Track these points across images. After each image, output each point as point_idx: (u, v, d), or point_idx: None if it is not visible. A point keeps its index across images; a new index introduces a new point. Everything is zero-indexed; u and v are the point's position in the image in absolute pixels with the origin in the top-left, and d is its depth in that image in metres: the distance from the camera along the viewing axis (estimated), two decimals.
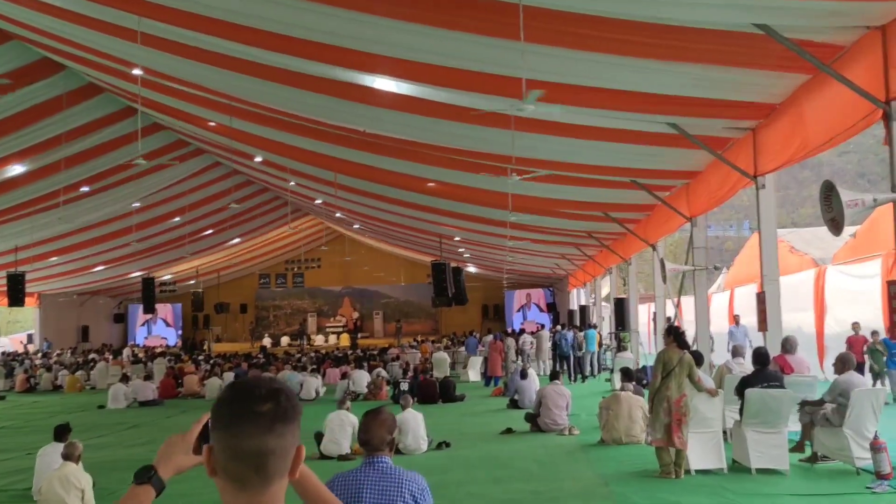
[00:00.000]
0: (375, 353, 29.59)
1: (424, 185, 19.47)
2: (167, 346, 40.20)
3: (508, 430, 12.79)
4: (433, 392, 18.24)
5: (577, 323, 28.43)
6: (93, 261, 32.19)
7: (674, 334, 8.58)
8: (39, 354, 32.90)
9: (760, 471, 8.64)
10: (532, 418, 12.63)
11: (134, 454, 12.05)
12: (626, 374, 12.29)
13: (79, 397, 22.46)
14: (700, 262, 15.63)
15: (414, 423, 10.95)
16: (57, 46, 16.02)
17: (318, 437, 10.96)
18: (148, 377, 20.57)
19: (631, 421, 10.81)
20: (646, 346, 20.33)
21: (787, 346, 10.35)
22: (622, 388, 11.23)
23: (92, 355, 32.27)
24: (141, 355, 32.37)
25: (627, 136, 12.86)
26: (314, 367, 24.73)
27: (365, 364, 23.68)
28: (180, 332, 43.76)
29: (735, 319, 18.12)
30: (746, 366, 11.31)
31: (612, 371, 20.28)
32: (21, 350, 35.83)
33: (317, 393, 20.06)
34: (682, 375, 8.44)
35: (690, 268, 15.50)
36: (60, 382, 25.37)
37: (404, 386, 18.42)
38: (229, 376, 21.83)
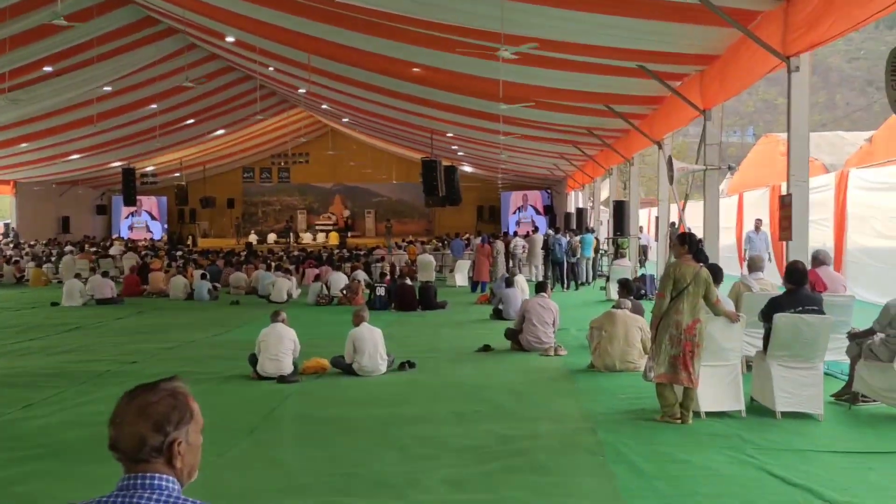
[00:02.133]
0: (362, 253, 27.76)
1: (410, 71, 17.21)
2: (152, 240, 38.39)
3: (486, 348, 10.95)
4: (411, 298, 16.44)
5: (574, 227, 26.53)
6: (66, 148, 30.04)
7: (688, 243, 6.61)
8: (12, 245, 31.10)
9: (787, 415, 6.82)
10: (513, 335, 10.80)
11: (48, 364, 10.26)
12: (625, 287, 10.38)
13: (40, 292, 20.72)
14: (713, 161, 13.59)
15: (371, 341, 9.11)
16: None
17: (252, 359, 9.14)
18: (105, 273, 18.73)
19: (627, 345, 8.96)
20: (654, 256, 18.38)
21: (821, 257, 8.42)
22: (618, 305, 9.34)
23: (69, 247, 30.46)
24: (121, 248, 30.53)
25: (638, 8, 10.66)
26: (292, 266, 22.94)
27: (345, 265, 21.88)
28: (166, 226, 41.89)
29: (756, 224, 15.97)
30: (766, 282, 9.41)
31: (607, 279, 18.45)
32: None
33: (289, 295, 18.27)
34: (697, 295, 6.52)
35: (702, 167, 13.43)
36: (27, 275, 23.63)
37: (380, 291, 16.61)
38: (197, 274, 20.06)
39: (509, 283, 14.93)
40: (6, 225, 36.22)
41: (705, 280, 6.54)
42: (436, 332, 13.18)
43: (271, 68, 23.06)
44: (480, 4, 11.58)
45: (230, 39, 20.17)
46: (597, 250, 22.36)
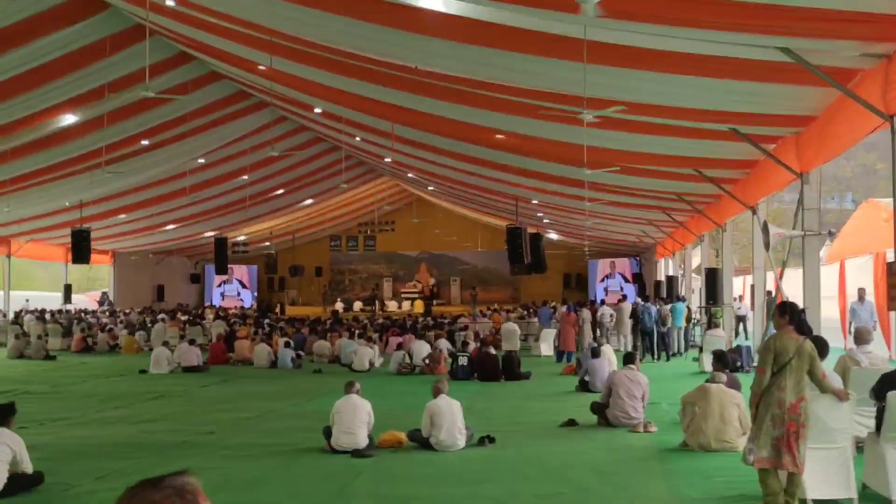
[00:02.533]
0: (446, 321, 27.48)
1: (493, 138, 17.08)
2: (242, 308, 39.00)
3: (571, 423, 10.39)
4: (494, 368, 15.98)
5: (664, 295, 25.73)
6: (162, 219, 30.98)
7: (789, 313, 6.04)
8: (107, 313, 31.96)
9: None
10: (600, 409, 10.22)
11: (128, 434, 10.19)
12: (720, 360, 9.69)
13: (132, 359, 21.04)
14: (812, 227, 12.88)
15: (449, 414, 8.71)
16: None
17: (327, 431, 8.83)
18: (192, 341, 18.89)
19: (723, 422, 8.30)
20: (751, 327, 17.46)
21: None
22: (713, 379, 8.71)
23: (161, 315, 31.12)
24: (211, 316, 31.02)
25: (728, 69, 10.23)
26: (376, 333, 22.77)
27: (429, 333, 21.59)
28: (256, 294, 42.56)
29: (860, 294, 14.99)
30: (876, 356, 8.67)
31: (701, 350, 17.61)
32: (95, 307, 35.07)
33: (371, 364, 18.05)
34: (802, 371, 5.93)
35: (800, 233, 12.75)
36: (121, 343, 24.11)
37: (463, 360, 16.22)
38: (282, 342, 20.05)
39: (596, 353, 14.35)
40: (103, 294, 37.37)
41: (809, 354, 5.95)
42: (518, 405, 12.69)
43: (358, 138, 23.35)
44: (563, 68, 11.35)
45: (318, 111, 20.49)
46: (688, 320, 21.50)
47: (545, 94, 12.81)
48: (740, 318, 20.73)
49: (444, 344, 19.49)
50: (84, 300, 37.59)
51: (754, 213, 16.15)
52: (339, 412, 8.68)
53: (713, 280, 19.21)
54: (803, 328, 6.16)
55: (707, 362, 16.51)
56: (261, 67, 16.38)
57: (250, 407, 12.46)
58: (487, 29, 10.36)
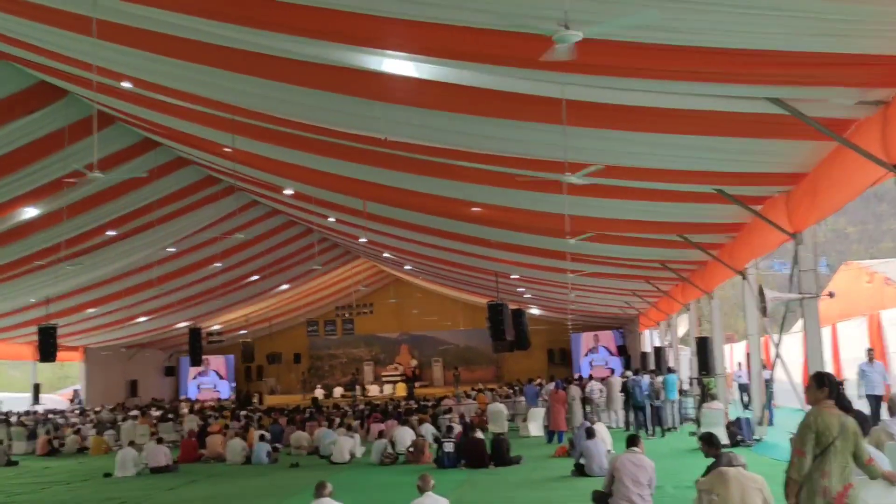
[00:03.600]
0: (429, 404, 26.29)
1: (468, 211, 16.34)
2: (219, 400, 37.51)
3: None
4: (481, 453, 14.86)
5: (652, 367, 24.81)
6: (133, 311, 29.82)
7: (829, 386, 5.14)
8: (77, 412, 30.44)
9: None
10: (602, 499, 9.16)
11: None
12: (710, 443, 8.44)
13: (99, 460, 19.67)
14: (809, 289, 12.13)
15: None
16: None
17: None
18: (160, 440, 17.63)
19: None
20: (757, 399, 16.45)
21: None
22: (729, 461, 7.71)
23: (133, 412, 29.68)
24: (186, 410, 29.57)
25: (712, 124, 9.57)
26: (357, 421, 21.57)
27: (413, 418, 20.43)
28: (234, 384, 41.08)
29: (869, 355, 14.13)
30: None
31: (698, 424, 16.59)
32: (67, 406, 33.50)
33: (351, 455, 16.86)
34: (847, 453, 5.01)
35: (797, 296, 11.98)
36: (89, 444, 22.69)
37: (448, 447, 15.10)
38: (257, 436, 18.82)
39: (590, 433, 13.31)
40: (75, 391, 35.83)
41: (854, 433, 5.04)
42: (511, 495, 11.59)
43: (331, 219, 22.57)
44: (540, 131, 10.67)
45: (288, 192, 19.73)
46: (680, 392, 20.52)
47: (522, 161, 12.12)
48: (744, 388, 19.65)
49: (428, 429, 18.37)
50: (56, 399, 36.01)
51: (744, 277, 15.41)
52: None
53: (704, 349, 18.35)
54: (844, 403, 5.27)
55: None
56: (226, 149, 15.64)
57: None
58: (459, 93, 9.67)
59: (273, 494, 12.87)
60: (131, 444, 17.51)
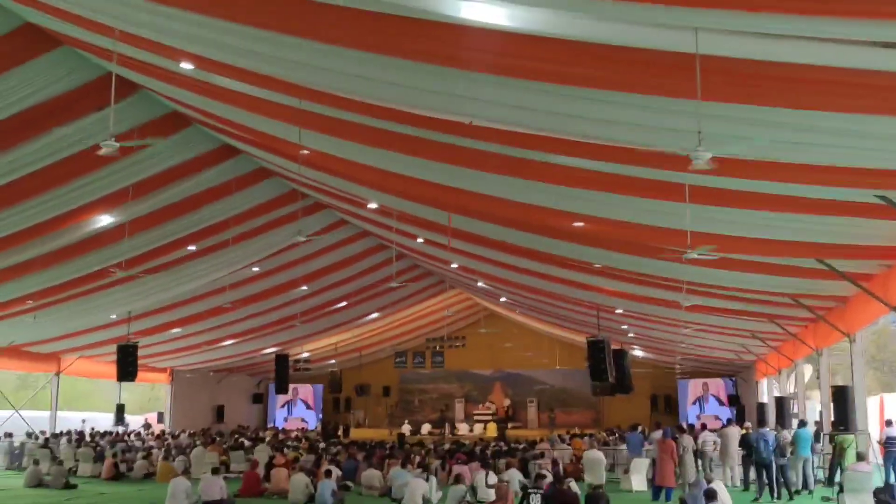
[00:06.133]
0: (520, 447, 23.68)
1: (568, 226, 13.88)
2: (304, 430, 35.75)
3: None
4: None
5: (771, 420, 21.63)
6: (218, 334, 28.43)
7: None
8: (151, 435, 29.10)
9: None
10: None
11: None
12: None
13: (162, 489, 17.80)
14: None
15: None
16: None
17: None
18: (215, 470, 15.69)
19: None
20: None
21: None
22: None
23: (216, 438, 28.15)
24: (244, 440, 27.72)
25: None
26: (438, 461, 19.21)
27: (499, 461, 17.94)
28: (321, 415, 39.31)
29: None
30: None
31: (840, 488, 13.46)
32: (152, 429, 32.33)
33: (425, 500, 14.49)
34: None
35: None
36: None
37: (535, 500, 12.53)
38: (333, 473, 16.70)
39: (710, 496, 10.57)
40: (160, 414, 34.73)
41: None
42: None
43: (419, 239, 20.49)
44: (660, 111, 8.28)
45: (372, 206, 17.75)
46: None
47: (637, 153, 9.65)
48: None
49: (514, 475, 15.80)
50: (140, 421, 34.97)
51: None
52: None
53: (843, 401, 15.26)
54: None
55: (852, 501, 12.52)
56: (304, 152, 13.62)
57: None
58: (558, 52, 7.40)
59: None
60: (185, 473, 15.63)
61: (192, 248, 20.36)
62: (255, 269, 23.27)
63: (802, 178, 9.45)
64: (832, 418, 16.46)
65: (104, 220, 17.72)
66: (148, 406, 39.92)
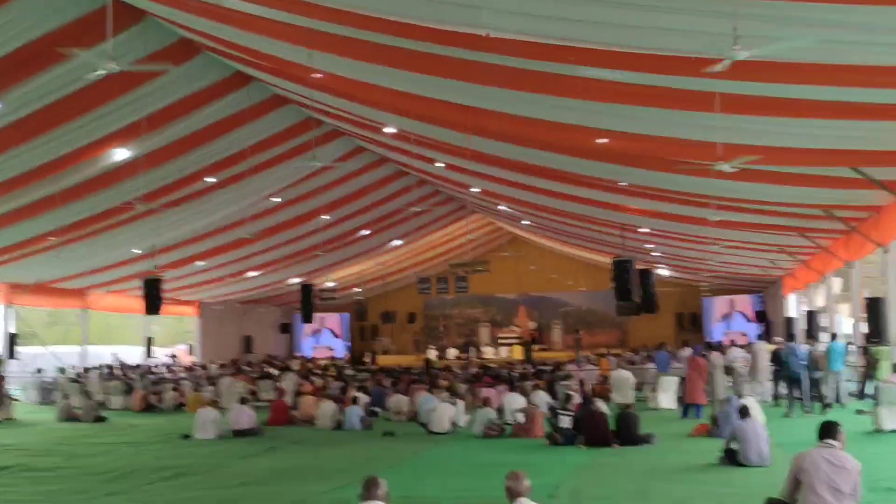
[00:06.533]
0: (547, 369, 23.60)
1: (592, 143, 13.35)
2: (333, 359, 35.96)
3: None
4: (604, 430, 12.04)
5: (800, 334, 21.29)
6: (242, 266, 28.34)
7: None
8: (182, 367, 29.29)
9: None
10: None
11: None
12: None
13: (193, 419, 17.94)
14: None
15: None
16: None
17: None
18: (244, 400, 15.66)
19: None
20: None
21: None
22: None
23: (246, 368, 28.33)
24: (274, 371, 27.77)
25: None
26: (465, 385, 19.13)
27: (526, 384, 17.81)
28: (349, 343, 39.49)
29: None
30: None
31: (876, 401, 13.13)
32: (182, 362, 32.59)
33: (453, 425, 14.39)
34: None
35: None
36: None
37: (565, 421, 12.34)
38: (361, 400, 16.69)
39: (744, 412, 10.29)
40: (190, 347, 34.99)
41: None
42: (643, 488, 8.74)
43: (439, 163, 20.02)
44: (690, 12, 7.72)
45: (389, 130, 17.27)
46: None
47: (663, 59, 9.09)
48: None
49: (542, 398, 15.69)
50: (176, 352, 35.26)
51: None
52: None
53: (877, 313, 14.87)
54: None
55: (886, 417, 12.23)
56: (316, 76, 13.08)
57: (274, 494, 9.00)
58: None
59: (353, 469, 10.51)
60: (213, 403, 15.61)
61: (210, 179, 20.03)
62: (276, 199, 22.93)
63: (841, 81, 8.89)
64: (865, 331, 16.11)
65: (119, 154, 17.39)
66: (178, 339, 40.27)
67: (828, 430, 6.18)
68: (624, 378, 17.89)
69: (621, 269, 20.99)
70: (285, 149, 19.78)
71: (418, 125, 15.69)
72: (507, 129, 13.88)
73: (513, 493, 5.10)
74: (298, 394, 18.65)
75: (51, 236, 20.23)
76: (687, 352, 17.01)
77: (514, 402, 14.82)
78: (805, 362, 15.22)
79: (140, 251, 24.02)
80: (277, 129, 18.92)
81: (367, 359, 34.54)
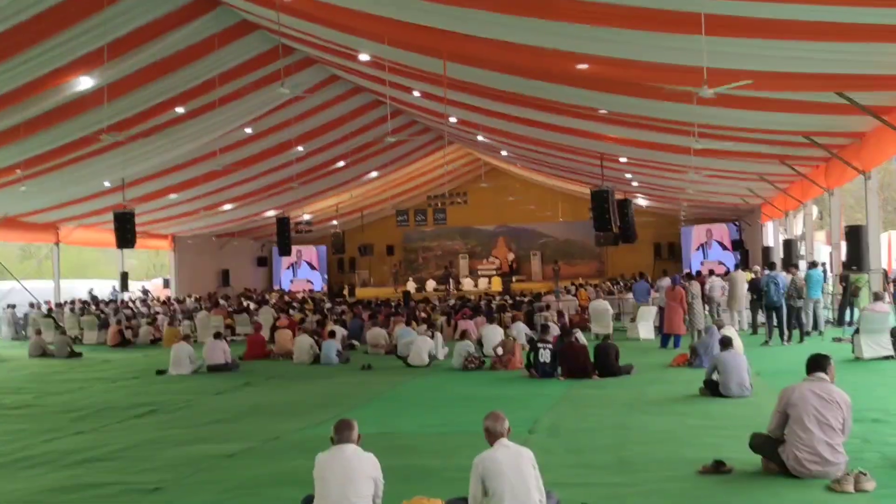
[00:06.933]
0: (525, 299, 23.45)
1: (572, 69, 12.86)
2: (311, 292, 35.70)
3: (718, 467, 6.27)
4: (584, 361, 11.88)
5: (774, 262, 21.18)
6: (216, 198, 27.73)
7: None
8: (155, 301, 28.91)
9: None
10: (769, 446, 6.08)
11: (44, 486, 6.60)
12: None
13: (167, 354, 17.67)
14: None
15: (513, 475, 4.71)
16: None
17: (309, 502, 5.05)
18: (217, 335, 15.36)
19: None
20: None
21: None
22: None
23: (222, 302, 28.00)
24: (249, 304, 27.54)
25: None
26: (443, 317, 18.95)
27: (505, 315, 17.64)
28: (326, 276, 39.19)
29: None
30: None
31: (856, 329, 13.02)
32: (160, 295, 32.23)
33: (431, 357, 14.20)
34: None
35: None
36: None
37: (544, 355, 12.15)
38: (338, 333, 16.43)
39: (726, 342, 10.12)
40: (165, 281, 34.54)
41: None
42: (624, 423, 8.55)
43: (415, 93, 19.44)
44: None
45: (364, 58, 16.63)
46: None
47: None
48: None
49: (520, 329, 15.53)
50: (150, 286, 34.83)
51: None
52: (323, 478, 4.83)
53: (857, 240, 14.70)
54: None
55: (867, 346, 12.14)
56: None
57: (247, 432, 8.73)
58: None
59: (327, 405, 10.30)
60: (186, 338, 15.29)
61: (179, 110, 19.32)
62: (248, 130, 22.28)
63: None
64: (844, 258, 15.99)
65: (83, 82, 16.62)
66: (154, 273, 39.78)
67: (817, 363, 5.93)
68: (602, 308, 17.74)
69: (600, 199, 20.75)
70: (256, 77, 19.06)
71: (392, 51, 15.06)
72: (483, 55, 13.30)
73: (493, 434, 4.84)
74: (275, 328, 18.37)
75: (17, 168, 19.55)
76: (666, 281, 16.81)
77: (494, 333, 14.63)
78: (784, 290, 15.09)
79: (110, 184, 23.37)
80: (247, 57, 18.16)
81: (345, 291, 34.29)
